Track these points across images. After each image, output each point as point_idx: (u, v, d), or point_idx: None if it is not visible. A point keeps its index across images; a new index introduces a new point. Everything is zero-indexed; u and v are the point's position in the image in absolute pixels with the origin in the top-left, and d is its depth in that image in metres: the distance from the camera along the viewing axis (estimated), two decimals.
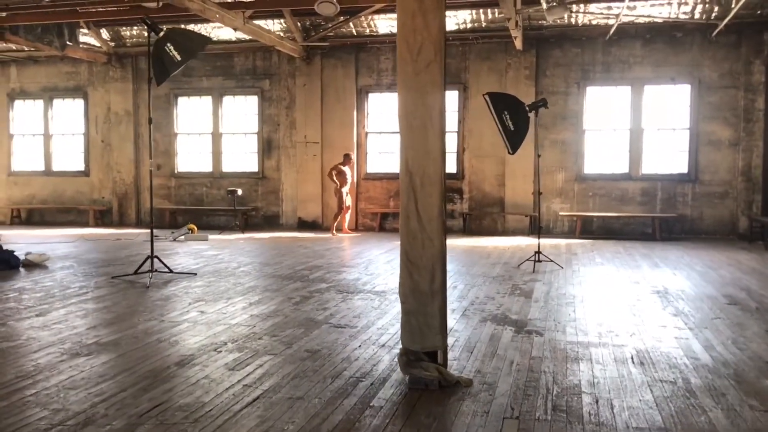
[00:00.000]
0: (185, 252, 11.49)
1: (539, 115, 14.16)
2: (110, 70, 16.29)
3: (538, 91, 14.42)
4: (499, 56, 14.48)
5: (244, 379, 4.54)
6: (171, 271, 8.77)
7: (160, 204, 16.44)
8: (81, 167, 17.01)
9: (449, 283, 8.28)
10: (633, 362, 5.01)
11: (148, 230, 14.94)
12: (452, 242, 12.91)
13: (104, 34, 15.56)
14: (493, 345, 5.47)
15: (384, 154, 15.53)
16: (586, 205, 14.39)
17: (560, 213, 14.40)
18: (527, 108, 9.35)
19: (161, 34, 8.36)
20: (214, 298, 7.42)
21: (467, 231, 14.73)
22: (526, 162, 14.44)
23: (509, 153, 9.66)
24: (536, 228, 14.27)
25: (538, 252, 9.70)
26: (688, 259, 10.66)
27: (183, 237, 13.30)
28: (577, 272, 9.28)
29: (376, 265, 9.93)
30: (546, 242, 12.90)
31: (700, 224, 13.84)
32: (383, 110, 15.46)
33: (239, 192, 14.94)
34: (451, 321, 6.29)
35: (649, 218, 13.84)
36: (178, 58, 8.26)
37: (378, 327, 6.07)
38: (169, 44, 8.24)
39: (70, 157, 17.21)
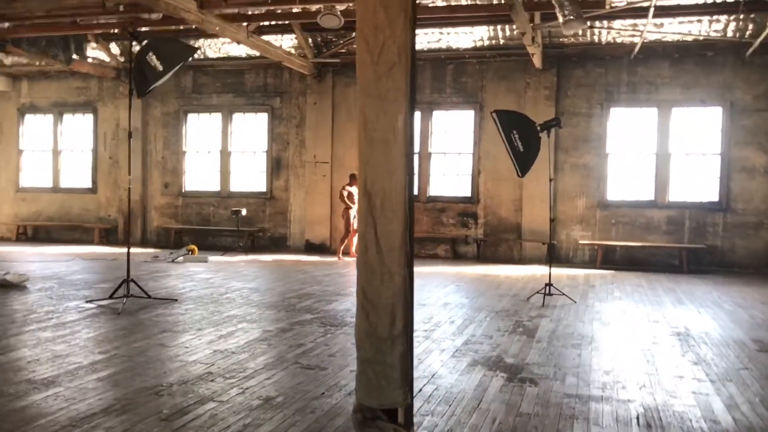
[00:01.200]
0: (178, 274, 10.91)
1: (559, 137, 13.56)
2: (120, 85, 15.94)
3: (559, 112, 13.65)
4: (518, 75, 13.78)
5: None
6: (149, 297, 8.17)
7: (166, 224, 15.97)
8: (88, 184, 16.64)
9: (446, 317, 7.56)
10: (638, 424, 4.23)
11: (152, 249, 14.57)
12: (462, 270, 12.17)
13: (113, 48, 15.22)
14: (477, 396, 4.72)
15: None
16: (608, 234, 13.53)
17: (580, 241, 13.54)
18: (538, 127, 8.62)
19: (143, 43, 7.84)
20: (184, 328, 6.78)
21: (481, 258, 13.96)
22: (545, 186, 13.60)
23: (518, 176, 8.93)
24: (551, 257, 13.48)
25: (549, 284, 8.90)
26: (716, 295, 9.76)
27: (182, 258, 12.74)
28: (590, 308, 8.46)
29: None
30: (563, 272, 12.09)
31: (731, 256, 12.88)
32: None
33: (243, 212, 14.38)
34: (437, 364, 5.55)
35: (675, 249, 12.93)
36: (160, 68, 7.73)
37: (351, 369, 5.35)
38: (150, 53, 7.72)
39: (78, 173, 16.86)
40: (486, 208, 14.07)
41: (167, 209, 16.05)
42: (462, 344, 6.29)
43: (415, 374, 5.17)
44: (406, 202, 3.76)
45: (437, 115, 14.40)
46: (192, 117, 15.96)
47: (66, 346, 5.90)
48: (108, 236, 16.25)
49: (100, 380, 4.92)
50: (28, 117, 17.10)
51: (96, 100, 16.42)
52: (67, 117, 16.80)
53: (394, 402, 3.75)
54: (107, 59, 15.29)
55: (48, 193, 16.91)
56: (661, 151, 13.31)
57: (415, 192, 14.71)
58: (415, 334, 6.56)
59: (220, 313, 7.62)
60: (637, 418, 4.34)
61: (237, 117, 15.68)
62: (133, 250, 14.47)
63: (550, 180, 9.23)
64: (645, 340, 6.67)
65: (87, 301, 8.14)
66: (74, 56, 14.00)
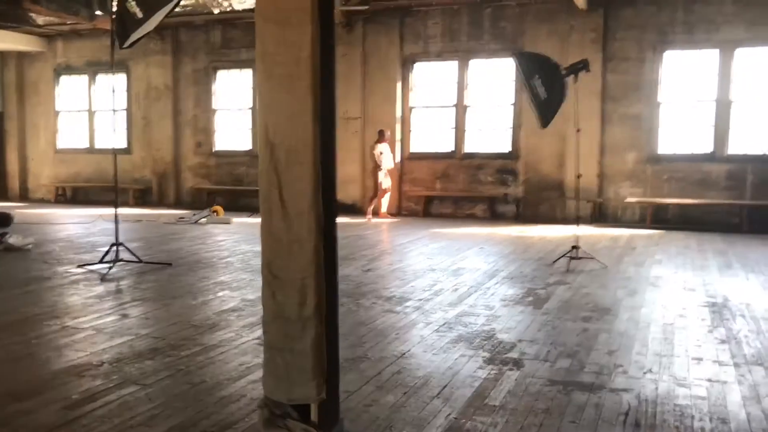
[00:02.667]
0: (191, 236, 10.50)
1: (606, 85, 12.41)
2: (150, 42, 15.54)
3: (607, 58, 12.47)
4: (561, 18, 12.62)
5: (72, 423, 3.34)
6: (140, 261, 7.73)
7: (199, 184, 15.65)
8: (123, 144, 16.44)
9: (451, 284, 6.83)
10: (624, 422, 3.44)
11: (182, 211, 14.21)
12: (496, 231, 11.34)
13: None
14: (441, 382, 4.01)
15: (431, 130, 14.01)
16: (660, 190, 12.37)
17: (627, 199, 12.44)
18: (564, 71, 7.63)
19: None
20: (159, 296, 6.31)
21: (520, 218, 13.04)
22: (591, 139, 12.55)
23: (540, 127, 8.00)
24: (600, 216, 12.48)
25: (576, 247, 8.01)
26: None
27: (204, 220, 12.35)
28: (620, 273, 7.55)
29: (392, 258, 8.54)
30: (606, 233, 11.11)
31: None
32: (430, 82, 13.92)
33: None
34: (414, 340, 4.86)
35: (736, 206, 11.70)
36: (139, 15, 7.10)
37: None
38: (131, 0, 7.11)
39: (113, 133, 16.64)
40: (526, 164, 13.09)
41: (200, 169, 15.71)
42: (454, 317, 5.56)
43: (385, 353, 4.52)
44: (317, 153, 3.03)
45: (474, 64, 13.40)
46: (222, 74, 15.45)
47: (20, 317, 5.49)
48: (143, 197, 16.06)
49: (20, 359, 4.45)
50: (63, 78, 16.97)
51: (128, 58, 16.07)
52: (101, 77, 16.57)
53: (306, 397, 3.09)
54: None
55: (84, 154, 16.82)
56: (722, 98, 11.98)
57: (451, 148, 13.95)
58: (407, 304, 5.90)
59: (208, 279, 7.11)
60: (626, 413, 3.55)
61: None
62: (163, 211, 14.31)
63: (577, 130, 8.23)
64: (671, 312, 5.77)
65: (78, 266, 7.76)
66: (97, 12, 13.60)
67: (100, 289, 6.58)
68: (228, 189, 15.26)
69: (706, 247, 9.66)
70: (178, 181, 15.88)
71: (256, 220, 10.78)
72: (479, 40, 13.19)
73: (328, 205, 3.12)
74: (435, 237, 10.55)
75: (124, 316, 5.56)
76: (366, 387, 3.92)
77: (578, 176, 8.37)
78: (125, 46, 7.34)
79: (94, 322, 5.33)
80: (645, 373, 4.21)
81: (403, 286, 6.79)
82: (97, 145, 16.76)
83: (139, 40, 7.57)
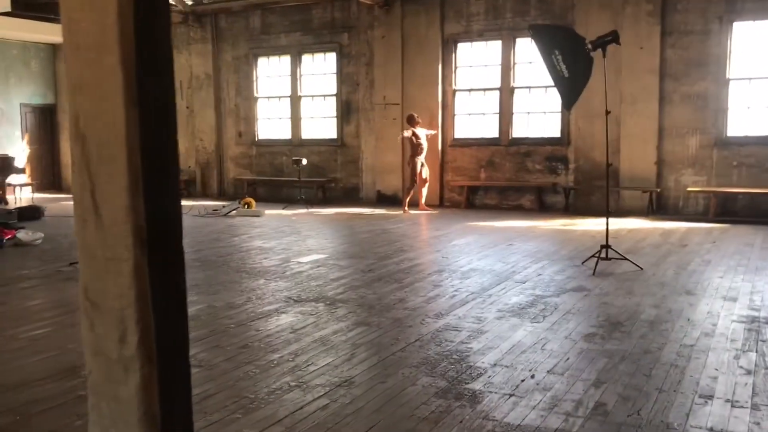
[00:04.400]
0: (210, 230, 10.06)
1: (666, 62, 11.20)
2: (191, 30, 15.26)
3: (666, 31, 11.21)
4: None
5: None
6: None
7: (241, 174, 15.30)
8: None
9: (450, 289, 6.05)
10: None
11: (220, 202, 13.83)
12: (538, 224, 10.41)
13: None
14: (366, 425, 3.28)
15: (474, 115, 13.09)
16: (728, 178, 11.05)
17: (689, 188, 11.18)
18: (589, 45, 6.64)
19: None
20: None
21: (570, 210, 11.97)
22: (648, 122, 11.38)
23: (564, 108, 7.04)
24: (656, 207, 11.33)
25: (607, 246, 7.02)
26: None
27: (234, 212, 11.93)
28: (656, 277, 6.55)
29: (405, 256, 7.80)
30: (660, 227, 9.98)
31: None
32: (473, 63, 12.98)
33: (304, 161, 13.26)
34: (369, 363, 4.13)
35: None
36: None
37: (245, 369, 4.07)
38: None
39: None
40: (577, 151, 12.00)
41: (242, 159, 15.36)
42: (433, 331, 4.80)
43: (328, 377, 3.82)
44: (134, 147, 2.35)
45: (520, 43, 12.38)
46: (262, 61, 15.00)
47: None
48: (188, 188, 15.86)
49: None
50: None
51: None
52: None
53: None
54: (172, 2, 14.58)
55: None
56: None
57: (496, 134, 13.00)
58: (387, 315, 5.17)
59: (189, 281, 6.54)
60: None
61: (306, 59, 14.50)
62: (204, 202, 14.01)
63: (607, 113, 7.20)
64: (696, 328, 4.81)
65: (71, 263, 7.40)
66: None
67: (61, 294, 6.16)
68: (268, 179, 14.84)
69: None
70: (221, 171, 15.58)
71: (290, 212, 10.24)
72: (525, 16, 12.14)
73: (158, 211, 2.42)
74: (467, 231, 9.72)
75: (59, 327, 5.07)
76: (274, 428, 3.24)
77: (609, 164, 7.34)
78: None
79: (26, 333, 4.86)
80: (629, 416, 3.34)
81: (398, 291, 6.05)
82: None
83: None
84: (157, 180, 2.39)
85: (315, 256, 7.79)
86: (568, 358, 4.22)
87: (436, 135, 12.73)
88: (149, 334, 2.38)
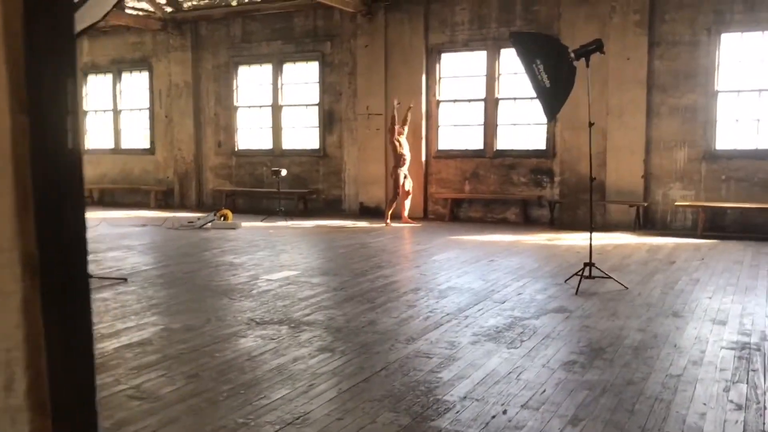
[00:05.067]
0: (183, 244, 9.70)
1: (654, 73, 10.95)
2: (170, 38, 14.93)
3: (654, 42, 10.97)
4: None
5: None
6: (90, 276, 6.88)
7: (220, 185, 14.94)
8: (147, 144, 15.93)
9: (424, 311, 5.71)
10: None
11: (194, 214, 13.39)
12: (522, 239, 10.10)
13: None
14: None
15: (459, 126, 12.80)
16: (717, 193, 10.79)
17: (677, 203, 10.91)
18: (572, 54, 6.35)
19: None
20: None
21: (556, 224, 11.68)
22: (635, 134, 11.12)
23: (547, 120, 6.74)
24: (644, 222, 11.06)
25: (590, 264, 6.71)
26: None
27: (210, 225, 11.55)
28: (641, 297, 6.23)
29: (381, 273, 7.46)
30: (646, 242, 9.69)
31: None
32: (458, 73, 12.70)
33: (283, 172, 12.92)
34: (327, 396, 3.78)
35: None
36: None
37: (191, 403, 3.71)
38: None
39: (136, 133, 16.20)
40: (563, 164, 11.71)
41: (221, 170, 15.00)
42: (401, 358, 4.46)
43: (279, 414, 3.46)
44: (24, 160, 2.01)
45: (505, 53, 12.10)
46: (243, 69, 14.68)
47: None
48: (165, 199, 15.48)
49: None
50: (90, 77, 16.58)
51: (151, 55, 15.54)
52: (125, 75, 16.09)
53: None
54: (151, 9, 14.25)
55: (110, 154, 16.40)
56: None
57: (481, 146, 12.71)
58: (356, 340, 4.80)
59: (150, 299, 6.21)
60: None
61: (287, 68, 14.19)
62: (181, 214, 13.62)
63: (590, 124, 6.89)
64: (683, 356, 4.49)
65: None
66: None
67: None
68: (248, 191, 14.49)
69: (762, 261, 8.15)
70: (200, 182, 15.21)
71: (269, 224, 9.82)
72: (510, 26, 11.88)
73: (54, 235, 2.08)
74: (449, 246, 9.40)
75: None
76: None
77: (592, 179, 7.04)
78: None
79: None
80: None
81: (369, 312, 5.71)
82: (123, 145, 16.29)
83: (86, 30, 6.75)
84: (52, 198, 2.03)
85: (286, 273, 7.43)
86: (544, 390, 3.88)
87: (418, 146, 12.41)
88: (41, 380, 2.01)
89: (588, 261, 6.73)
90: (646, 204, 11.08)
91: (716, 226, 10.70)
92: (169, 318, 5.50)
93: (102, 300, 6.13)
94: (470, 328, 5.20)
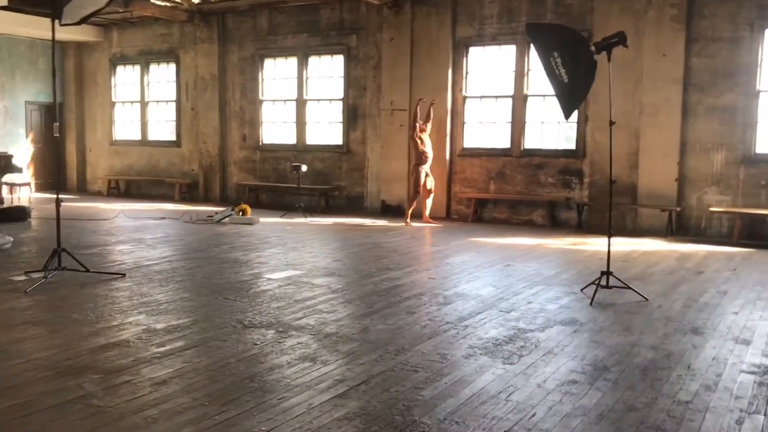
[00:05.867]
0: (196, 239, 9.51)
1: (690, 71, 10.41)
2: (197, 30, 14.80)
3: (691, 38, 10.40)
4: None
5: None
6: (87, 270, 6.71)
7: (244, 179, 14.76)
8: (173, 137, 15.85)
9: (426, 318, 5.37)
10: None
11: (216, 208, 13.18)
12: (546, 242, 9.75)
13: None
14: None
15: (485, 124, 12.38)
16: (755, 198, 10.19)
17: (712, 208, 10.33)
18: (593, 48, 5.92)
19: None
20: (56, 317, 5.24)
21: (583, 227, 11.18)
22: (669, 135, 10.57)
23: (564, 117, 6.31)
24: (676, 228, 10.52)
25: (607, 273, 6.28)
26: None
27: (227, 219, 11.36)
28: (661, 310, 5.79)
29: (389, 275, 7.14)
30: (676, 249, 9.18)
31: None
32: (486, 68, 12.28)
33: (304, 168, 12.64)
34: (296, 411, 3.48)
35: None
36: None
37: (145, 415, 3.45)
38: None
39: (163, 126, 16.14)
40: (593, 164, 11.21)
41: (246, 164, 14.83)
42: (385, 371, 4.13)
43: None
44: None
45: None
46: (268, 62, 14.46)
47: None
48: (190, 192, 15.37)
49: None
50: (119, 68, 16.57)
51: (178, 47, 15.44)
52: (153, 67, 16.04)
53: None
54: (178, 0, 14.11)
55: (137, 146, 16.37)
56: None
57: (507, 144, 12.26)
58: (343, 347, 4.46)
59: (143, 296, 6.00)
60: None
61: (313, 61, 13.93)
62: (203, 207, 13.47)
63: (611, 123, 6.46)
64: (697, 379, 4.06)
65: (25, 273, 6.86)
66: None
67: (12, 303, 5.62)
68: (271, 185, 14.28)
69: None
70: (224, 175, 15.06)
71: (287, 221, 9.56)
72: (541, 19, 11.39)
73: None
74: (466, 248, 9.03)
75: None
76: None
77: (612, 182, 6.62)
78: (63, 23, 6.31)
79: None
80: None
81: (365, 317, 5.39)
82: (150, 137, 16.25)
83: (89, 17, 6.57)
84: None
85: (290, 272, 7.16)
86: (534, 414, 3.52)
87: (442, 144, 12.04)
88: None
89: (606, 269, 6.29)
90: (679, 209, 10.52)
91: (754, 234, 10.10)
92: (154, 318, 5.26)
93: (92, 297, 5.94)
94: (468, 339, 4.85)
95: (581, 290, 6.47)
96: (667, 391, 3.90)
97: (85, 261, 6.85)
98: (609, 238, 6.41)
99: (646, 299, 6.14)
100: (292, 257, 8.15)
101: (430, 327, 5.15)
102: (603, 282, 6.24)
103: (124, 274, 6.84)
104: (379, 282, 6.77)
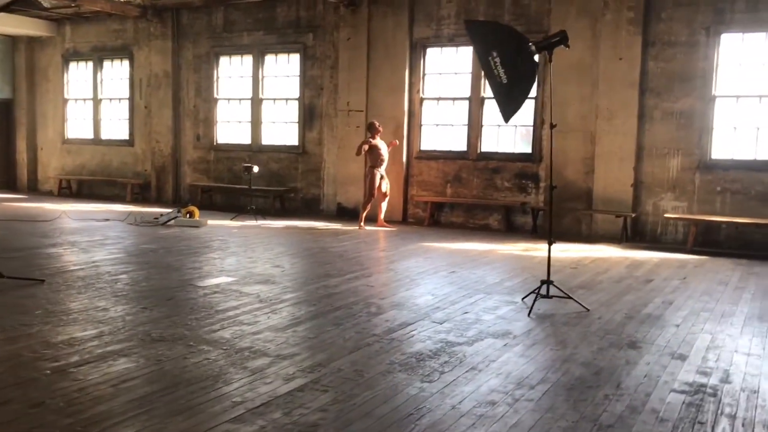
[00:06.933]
0: (132, 243, 9.12)
1: (647, 75, 10.26)
2: (151, 26, 14.37)
3: (648, 42, 10.25)
4: None
5: None
6: (2, 276, 6.30)
7: (198, 180, 14.36)
8: (126, 136, 15.39)
9: (353, 331, 5.07)
10: None
11: (164, 209, 12.69)
12: (496, 248, 9.50)
13: None
14: None
15: (442, 126, 12.12)
16: (711, 205, 10.05)
17: (666, 215, 10.17)
18: (532, 47, 5.66)
19: None
20: None
21: (538, 232, 10.97)
22: (625, 140, 10.41)
23: (504, 120, 6.06)
24: (632, 234, 10.36)
25: (548, 282, 6.03)
26: None
27: (173, 222, 10.97)
28: (600, 322, 5.55)
29: (324, 283, 6.83)
30: (629, 256, 8.98)
31: None
32: (443, 70, 12.03)
33: (255, 169, 12.27)
34: None
35: None
36: None
37: None
38: None
39: (116, 124, 15.67)
40: (549, 169, 10.96)
41: (200, 164, 14.43)
42: (291, 392, 3.81)
43: None
44: None
45: None
46: (223, 60, 14.09)
47: None
48: (142, 193, 14.93)
49: None
50: (72, 64, 16.07)
51: (132, 43, 14.99)
52: (107, 64, 15.56)
53: None
54: None
55: (90, 145, 15.88)
56: None
57: (464, 147, 12.02)
58: (245, 364, 4.11)
59: (56, 303, 5.61)
60: None
61: (269, 60, 13.58)
62: (150, 209, 13.02)
63: (552, 126, 6.24)
64: (624, 399, 3.81)
65: None
66: None
67: None
68: (226, 187, 13.89)
69: (750, 283, 7.42)
70: (177, 176, 14.65)
71: (238, 223, 9.18)
72: (499, 20, 11.15)
73: None
74: (415, 254, 8.75)
75: None
76: None
77: (553, 187, 6.40)
78: None
79: None
80: None
81: (285, 330, 5.07)
82: (103, 136, 15.77)
83: (7, 6, 6.18)
84: None
85: (222, 279, 6.82)
86: None
87: (399, 146, 11.77)
88: None
89: (547, 278, 6.04)
90: (634, 215, 10.35)
91: (709, 241, 9.97)
92: (58, 329, 4.89)
93: None
94: (390, 354, 4.55)
95: (522, 300, 6.21)
96: (589, 413, 3.64)
97: (5, 265, 6.47)
98: (549, 245, 6.16)
99: (588, 309, 5.91)
100: (229, 263, 7.80)
101: (353, 340, 4.85)
102: (543, 291, 5.99)
103: (43, 280, 6.45)
104: (314, 290, 6.46)
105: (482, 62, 5.76)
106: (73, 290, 6.15)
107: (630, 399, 3.86)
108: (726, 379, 4.22)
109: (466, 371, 4.25)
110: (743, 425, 3.52)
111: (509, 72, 5.60)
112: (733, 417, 3.63)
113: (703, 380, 4.20)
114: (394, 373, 4.18)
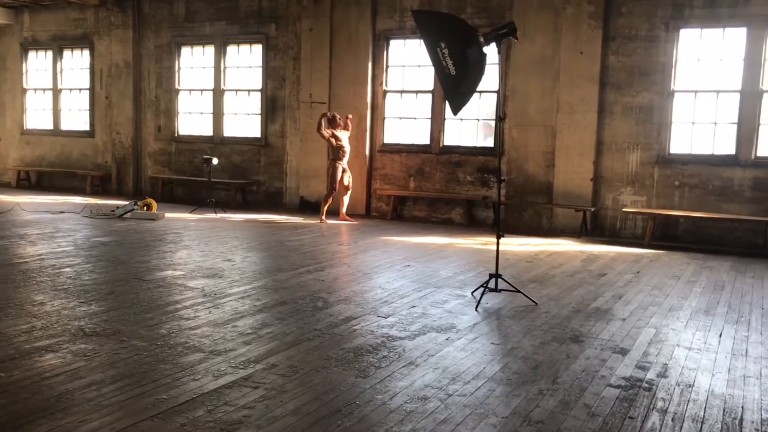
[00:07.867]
0: (83, 235, 8.92)
1: (607, 69, 10.28)
2: (112, 15, 14.09)
3: (608, 36, 10.25)
4: None
5: None
6: None
7: (159, 173, 14.13)
8: (86, 127, 15.10)
9: (296, 326, 4.97)
10: None
11: (120, 202, 12.44)
12: (455, 242, 9.49)
13: None
14: None
15: (405, 119, 12.05)
16: (670, 199, 10.10)
17: (625, 209, 10.21)
18: (481, 39, 5.59)
19: None
20: None
21: (501, 226, 10.91)
22: (585, 134, 10.41)
23: (453, 114, 5.99)
24: (591, 228, 10.39)
25: (496, 276, 5.99)
26: None
27: (129, 214, 10.77)
28: (547, 317, 5.51)
29: (276, 278, 6.72)
30: (585, 250, 8.99)
31: None
32: (406, 62, 11.95)
33: (215, 161, 12.08)
34: None
35: (762, 223, 9.37)
36: None
37: None
38: None
39: (77, 115, 15.36)
40: (510, 163, 10.97)
41: (161, 156, 14.20)
42: (202, 395, 3.71)
43: None
44: None
45: None
46: (185, 50, 13.86)
47: None
48: (103, 185, 14.66)
49: None
50: (31, 53, 15.72)
51: (92, 33, 14.69)
52: (67, 53, 15.24)
53: None
54: None
55: (49, 136, 15.56)
56: (750, 89, 9.62)
57: (427, 140, 11.96)
58: (167, 364, 3.97)
59: None
60: None
61: (231, 50, 13.39)
62: (108, 201, 12.75)
63: (500, 119, 6.18)
64: (559, 393, 3.76)
65: None
66: None
67: None
68: (187, 179, 13.69)
69: (702, 277, 7.45)
70: (138, 168, 14.41)
71: (196, 216, 8.99)
72: (461, 13, 11.05)
73: None
74: (373, 248, 8.68)
75: None
76: None
77: (502, 180, 6.35)
78: None
79: None
80: None
81: (225, 325, 4.96)
82: (63, 127, 15.45)
83: None
84: None
85: (168, 273, 6.68)
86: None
87: (362, 139, 11.67)
88: None
89: (495, 271, 6.00)
90: (593, 209, 10.37)
91: (667, 235, 10.02)
92: None
93: None
94: (328, 348, 4.47)
95: (471, 293, 6.17)
96: (521, 408, 3.59)
97: None
98: (498, 239, 6.14)
99: (536, 303, 5.88)
100: (180, 256, 7.66)
101: (294, 335, 4.76)
102: (492, 285, 5.95)
103: None
104: (263, 285, 6.35)
105: (430, 53, 5.68)
106: (11, 285, 5.98)
107: (564, 394, 3.82)
108: (663, 374, 4.21)
109: (403, 366, 4.18)
110: (673, 420, 3.50)
111: (458, 64, 5.52)
112: (664, 411, 3.60)
113: (641, 375, 4.18)
114: (329, 369, 4.09)
